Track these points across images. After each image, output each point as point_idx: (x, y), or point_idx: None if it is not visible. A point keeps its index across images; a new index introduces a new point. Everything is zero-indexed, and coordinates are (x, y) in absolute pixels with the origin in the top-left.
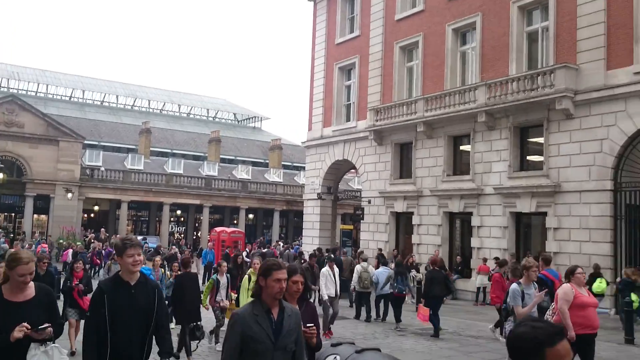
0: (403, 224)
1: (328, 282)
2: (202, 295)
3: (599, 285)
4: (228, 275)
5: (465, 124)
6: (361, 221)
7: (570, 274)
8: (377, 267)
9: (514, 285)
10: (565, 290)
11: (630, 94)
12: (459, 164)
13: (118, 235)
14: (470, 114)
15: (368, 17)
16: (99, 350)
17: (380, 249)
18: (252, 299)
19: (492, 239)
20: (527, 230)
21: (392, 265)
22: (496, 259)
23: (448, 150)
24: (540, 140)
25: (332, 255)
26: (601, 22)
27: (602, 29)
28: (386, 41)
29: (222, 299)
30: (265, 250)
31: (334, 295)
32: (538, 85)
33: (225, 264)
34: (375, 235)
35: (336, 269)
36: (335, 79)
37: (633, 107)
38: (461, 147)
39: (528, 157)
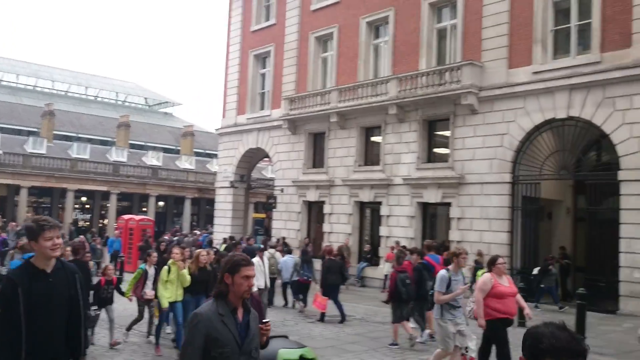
0: (315, 212)
1: (258, 273)
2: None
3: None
4: (156, 266)
5: (377, 115)
6: (274, 210)
7: (491, 264)
8: (283, 256)
9: (443, 272)
10: (484, 280)
11: (529, 92)
12: (370, 155)
13: (12, 223)
14: (381, 106)
15: (284, 6)
16: (14, 351)
17: (284, 237)
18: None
19: (400, 228)
20: (433, 220)
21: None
22: (403, 247)
23: (360, 141)
24: (447, 133)
25: (262, 245)
26: (505, 22)
27: (505, 29)
28: (302, 31)
29: (145, 292)
30: (177, 238)
31: (263, 287)
32: (446, 80)
33: (155, 254)
34: (287, 224)
35: (265, 260)
36: (251, 66)
37: (531, 104)
38: (372, 138)
39: (435, 150)
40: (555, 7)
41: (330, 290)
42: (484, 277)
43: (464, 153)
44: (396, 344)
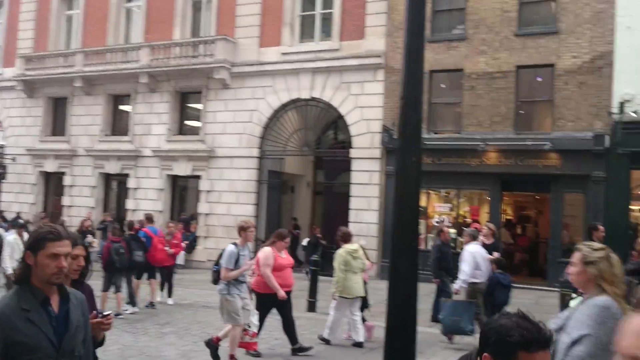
0: (53, 184)
1: (15, 253)
2: None
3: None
4: None
5: (127, 83)
6: (3, 181)
7: (278, 239)
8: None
9: (232, 247)
10: (266, 254)
11: (277, 71)
12: (118, 124)
13: None
14: (132, 74)
15: None
16: None
17: (1, 211)
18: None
19: (148, 201)
20: (183, 193)
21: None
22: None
23: (107, 109)
24: (199, 106)
25: (21, 220)
26: (257, 2)
27: (258, 9)
28: None
29: None
30: None
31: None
32: (199, 53)
33: None
34: (20, 197)
35: (26, 236)
36: None
37: (279, 83)
38: (121, 107)
39: (187, 122)
40: None
41: None
42: (265, 251)
43: (215, 127)
44: (102, 312)
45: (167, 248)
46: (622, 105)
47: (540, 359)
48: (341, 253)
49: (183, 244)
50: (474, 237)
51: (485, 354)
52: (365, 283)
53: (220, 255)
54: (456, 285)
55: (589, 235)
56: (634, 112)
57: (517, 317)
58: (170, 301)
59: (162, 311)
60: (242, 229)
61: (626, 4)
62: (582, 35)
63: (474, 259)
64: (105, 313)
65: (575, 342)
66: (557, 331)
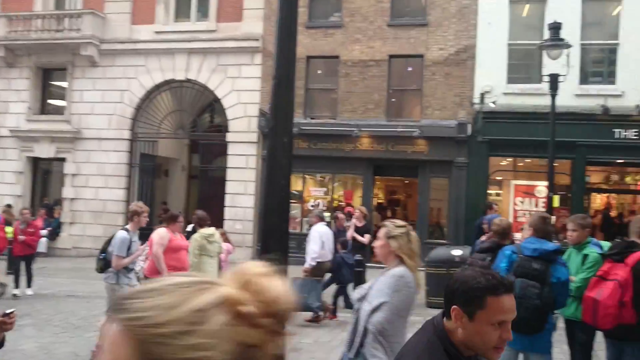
0: None
1: None
2: None
3: None
4: None
5: None
6: None
7: (172, 220)
8: None
9: (124, 234)
10: (161, 234)
11: (151, 50)
12: None
13: None
14: None
15: None
16: None
17: None
18: None
19: (5, 185)
20: (46, 176)
21: None
22: (8, 206)
23: None
24: (64, 84)
25: None
26: None
27: None
28: None
29: None
30: None
31: None
32: (64, 27)
33: None
34: None
35: None
36: None
37: (152, 63)
38: None
39: (50, 101)
40: None
41: None
42: (160, 231)
43: (82, 106)
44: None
45: (20, 237)
46: (482, 96)
47: (507, 302)
48: (196, 238)
49: (45, 231)
50: (320, 218)
51: (454, 306)
52: (220, 267)
53: (108, 242)
54: (306, 264)
55: (484, 212)
56: (493, 103)
57: (479, 268)
58: (29, 291)
59: (20, 302)
60: (135, 214)
61: (487, 1)
62: (448, 28)
63: (320, 239)
64: (7, 311)
65: (375, 309)
66: (359, 300)
